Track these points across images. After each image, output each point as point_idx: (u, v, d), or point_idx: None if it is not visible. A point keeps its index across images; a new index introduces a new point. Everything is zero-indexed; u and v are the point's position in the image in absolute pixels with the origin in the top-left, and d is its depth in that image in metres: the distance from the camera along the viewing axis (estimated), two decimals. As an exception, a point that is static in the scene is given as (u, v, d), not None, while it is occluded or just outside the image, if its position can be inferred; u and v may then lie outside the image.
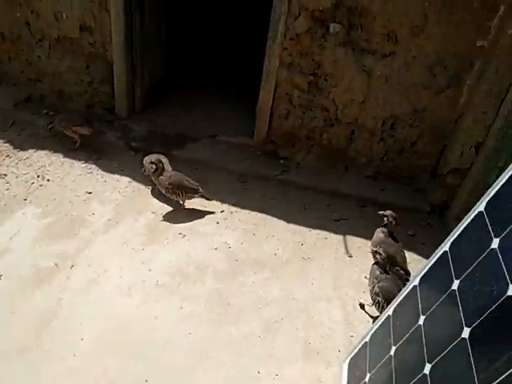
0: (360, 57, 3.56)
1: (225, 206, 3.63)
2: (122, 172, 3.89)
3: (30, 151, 4.03)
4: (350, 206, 3.67)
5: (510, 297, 1.26)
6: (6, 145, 4.05)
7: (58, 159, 3.96)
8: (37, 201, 3.46)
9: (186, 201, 3.54)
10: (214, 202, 3.62)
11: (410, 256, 3.13)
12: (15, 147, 4.03)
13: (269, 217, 3.54)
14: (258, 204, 3.69)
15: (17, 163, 3.86)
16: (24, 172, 3.76)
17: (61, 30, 4.14)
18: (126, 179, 3.82)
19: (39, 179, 3.69)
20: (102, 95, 4.46)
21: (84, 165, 3.93)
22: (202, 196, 3.52)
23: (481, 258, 1.48)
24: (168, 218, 3.45)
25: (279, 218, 3.52)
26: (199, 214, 3.52)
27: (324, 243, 3.24)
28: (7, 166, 3.80)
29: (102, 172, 3.88)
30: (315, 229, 3.36)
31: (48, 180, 3.71)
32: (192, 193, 3.48)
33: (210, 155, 4.18)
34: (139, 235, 3.25)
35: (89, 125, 4.08)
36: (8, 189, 3.55)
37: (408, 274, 2.77)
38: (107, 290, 2.80)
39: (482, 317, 1.31)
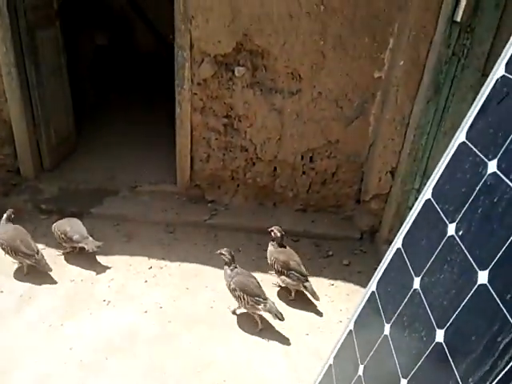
0: (269, 96, 3.62)
1: (153, 262, 3.42)
2: (32, 239, 3.53)
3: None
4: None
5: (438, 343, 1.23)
6: None
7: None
8: None
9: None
10: (139, 257, 3.41)
11: (348, 287, 3.14)
12: None
13: (201, 266, 3.38)
14: (188, 254, 3.53)
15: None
16: None
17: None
18: (38, 246, 3.48)
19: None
20: (3, 158, 4.09)
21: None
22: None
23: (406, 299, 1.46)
24: (89, 284, 3.17)
25: (213, 266, 3.36)
26: (125, 275, 3.27)
27: (264, 286, 3.14)
28: None
29: (10, 242, 3.51)
30: (253, 272, 3.27)
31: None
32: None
33: (132, 208, 3.97)
34: (57, 309, 2.93)
35: None
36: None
37: (304, 275, 2.97)
38: (21, 381, 2.45)
39: (417, 366, 1.28)
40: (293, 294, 3.10)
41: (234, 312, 2.97)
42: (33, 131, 4.04)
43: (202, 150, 3.94)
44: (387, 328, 1.54)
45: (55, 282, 3.14)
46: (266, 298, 2.76)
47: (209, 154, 3.94)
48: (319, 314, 3.01)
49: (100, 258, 3.40)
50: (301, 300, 3.09)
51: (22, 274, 3.18)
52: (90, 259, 3.37)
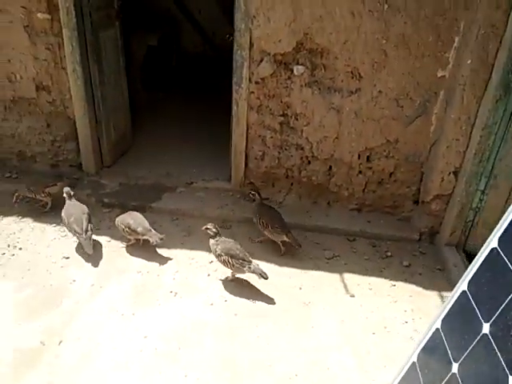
0: (327, 95, 3.63)
1: (213, 256, 3.51)
2: (97, 231, 3.68)
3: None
4: (340, 241, 3.65)
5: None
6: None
7: (27, 225, 3.71)
8: (10, 273, 3.20)
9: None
10: (200, 252, 3.50)
11: (411, 289, 3.13)
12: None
13: (260, 262, 3.44)
14: (246, 250, 3.59)
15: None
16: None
17: (16, 92, 3.97)
18: (103, 238, 3.63)
19: (10, 249, 3.42)
20: (67, 153, 4.27)
21: (56, 228, 3.69)
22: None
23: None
24: (154, 275, 3.28)
25: (270, 262, 3.43)
26: (188, 268, 3.37)
27: (321, 285, 3.17)
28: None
29: (77, 234, 3.67)
30: (310, 270, 3.30)
31: (20, 249, 3.45)
32: None
33: (189, 204, 4.07)
34: (127, 299, 3.05)
35: (59, 179, 3.92)
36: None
37: (248, 261, 3.11)
38: (102, 365, 2.58)
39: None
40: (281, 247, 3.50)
41: (232, 279, 3.21)
42: (95, 128, 4.20)
43: (257, 148, 4.00)
44: (486, 327, 1.55)
45: (123, 272, 3.28)
46: (250, 261, 3.10)
47: (264, 152, 3.99)
48: (383, 313, 3.02)
49: (162, 251, 3.51)
50: (366, 301, 3.11)
51: (91, 264, 3.33)
52: (152, 252, 3.49)
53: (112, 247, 3.54)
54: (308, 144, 3.83)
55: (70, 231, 3.43)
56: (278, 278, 3.26)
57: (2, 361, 2.56)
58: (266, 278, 3.06)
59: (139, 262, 3.41)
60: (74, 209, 3.49)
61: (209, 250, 3.52)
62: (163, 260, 3.42)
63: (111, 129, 4.42)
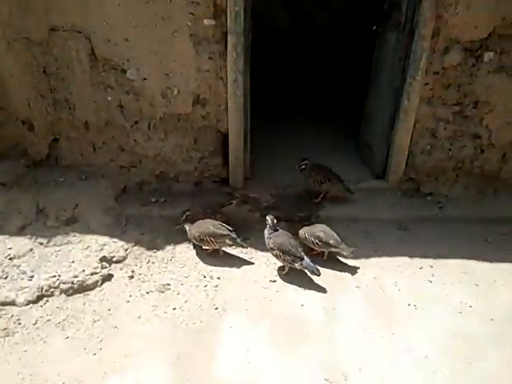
0: (515, 79, 3.47)
1: (416, 261, 3.33)
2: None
3: (169, 248, 3.47)
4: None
5: None
6: (137, 248, 3.45)
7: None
8: (235, 306, 2.95)
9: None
10: (403, 258, 3.33)
11: None
12: (149, 248, 3.45)
13: (472, 262, 3.29)
14: (441, 250, 3.43)
15: (166, 266, 3.30)
16: (185, 275, 3.21)
17: (168, 108, 3.66)
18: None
19: (210, 280, 3.17)
20: (212, 169, 3.99)
21: (237, 249, 3.45)
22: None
23: None
24: (377, 288, 3.09)
25: (482, 259, 3.28)
26: (401, 275, 3.19)
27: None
28: (161, 273, 3.23)
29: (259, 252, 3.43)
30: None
31: (218, 278, 3.19)
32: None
33: (357, 208, 3.87)
34: (368, 316, 2.86)
35: (230, 197, 3.75)
36: (186, 301, 2.99)
37: (300, 257, 3.10)
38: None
39: None
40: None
41: (286, 272, 3.20)
42: (244, 140, 3.94)
43: (425, 142, 3.83)
44: None
45: (341, 289, 3.07)
46: (302, 257, 3.09)
47: (432, 144, 3.82)
48: None
49: (353, 262, 3.33)
50: None
51: (298, 285, 3.12)
52: (339, 263, 3.32)
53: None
54: (487, 132, 3.68)
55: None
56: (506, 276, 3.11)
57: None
58: (318, 275, 3.08)
59: (343, 276, 3.21)
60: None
61: (403, 255, 3.38)
62: (369, 270, 3.23)
63: (248, 138, 4.15)
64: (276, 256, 3.18)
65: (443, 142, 3.78)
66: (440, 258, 3.34)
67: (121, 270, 3.28)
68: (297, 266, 3.11)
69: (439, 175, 3.94)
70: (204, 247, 3.38)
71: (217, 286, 3.12)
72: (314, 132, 5.11)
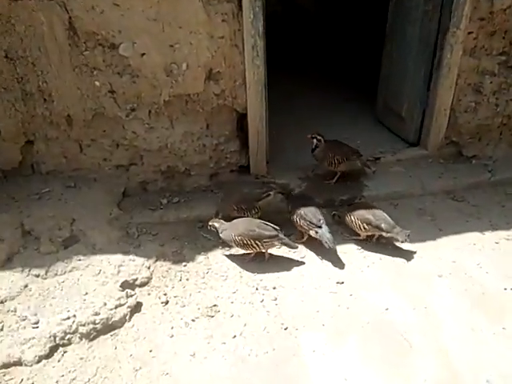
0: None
1: (490, 235, 2.92)
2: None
3: (201, 259, 2.85)
4: None
5: None
6: (162, 263, 2.80)
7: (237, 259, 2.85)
8: (308, 322, 2.40)
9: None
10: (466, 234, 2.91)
11: None
12: (176, 262, 2.81)
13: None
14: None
15: (205, 282, 2.68)
16: (232, 290, 2.61)
17: (174, 88, 2.95)
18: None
19: (265, 292, 2.58)
20: (229, 157, 3.35)
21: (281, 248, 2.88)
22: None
23: None
24: (463, 273, 2.66)
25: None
26: (476, 254, 2.77)
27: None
28: (200, 292, 2.60)
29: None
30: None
31: (274, 288, 2.61)
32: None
33: (403, 183, 3.38)
34: (476, 315, 2.40)
35: (268, 188, 3.10)
36: (246, 324, 2.40)
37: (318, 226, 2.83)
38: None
39: None
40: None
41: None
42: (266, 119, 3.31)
43: (468, 100, 3.39)
44: None
45: (429, 281, 2.61)
46: (320, 226, 2.81)
47: (476, 101, 3.39)
48: None
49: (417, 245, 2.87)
50: None
51: (371, 284, 2.62)
52: (400, 249, 2.86)
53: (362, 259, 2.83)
54: (535, 81, 3.29)
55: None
56: None
57: None
58: (332, 247, 2.77)
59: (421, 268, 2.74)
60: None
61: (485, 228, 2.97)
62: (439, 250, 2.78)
63: (266, 116, 3.52)
64: (294, 222, 2.89)
65: (489, 97, 3.35)
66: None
67: (149, 294, 2.63)
68: (312, 233, 2.83)
69: (483, 135, 3.54)
70: (246, 251, 2.79)
71: (275, 298, 2.55)
72: (328, 104, 4.54)
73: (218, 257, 2.86)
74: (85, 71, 2.86)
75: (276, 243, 2.74)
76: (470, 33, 3.12)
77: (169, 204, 3.24)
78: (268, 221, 2.81)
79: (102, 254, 2.80)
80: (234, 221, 2.81)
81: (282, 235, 2.74)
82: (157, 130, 3.13)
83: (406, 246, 2.85)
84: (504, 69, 3.28)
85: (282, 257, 2.84)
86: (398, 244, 2.87)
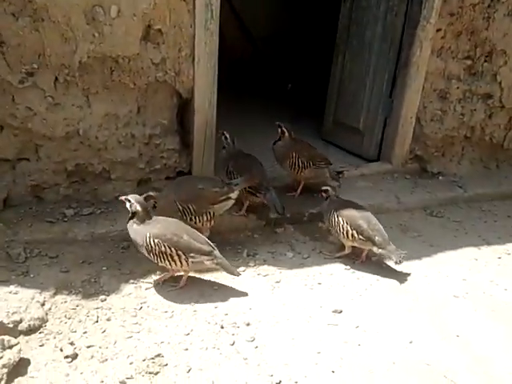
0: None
1: (487, 250, 2.45)
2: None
3: (129, 288, 1.86)
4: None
5: None
6: (64, 297, 1.78)
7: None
8: (308, 371, 1.57)
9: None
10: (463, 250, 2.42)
11: None
12: (90, 295, 1.81)
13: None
14: (501, 233, 2.64)
15: (139, 323, 1.71)
16: (185, 331, 1.67)
17: (96, 44, 2.10)
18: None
19: (236, 330, 1.70)
20: (166, 157, 2.50)
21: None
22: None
23: None
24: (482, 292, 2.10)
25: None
26: (484, 270, 2.26)
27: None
28: (133, 337, 1.62)
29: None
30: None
31: (247, 324, 1.74)
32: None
33: (369, 198, 2.81)
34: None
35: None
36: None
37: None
38: None
39: None
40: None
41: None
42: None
43: (434, 107, 3.08)
44: None
45: (447, 304, 1.97)
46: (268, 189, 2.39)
47: (442, 109, 3.09)
48: None
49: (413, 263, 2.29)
50: None
51: (408, 308, 1.91)
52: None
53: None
54: (499, 90, 3.10)
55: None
56: None
57: None
58: (282, 214, 2.40)
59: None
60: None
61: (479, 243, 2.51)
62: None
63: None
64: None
65: (455, 105, 3.09)
66: (509, 242, 2.54)
67: (42, 345, 1.58)
68: (259, 196, 2.36)
69: (446, 149, 3.23)
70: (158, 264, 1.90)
71: (252, 339, 1.68)
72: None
73: (156, 285, 1.93)
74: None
75: (207, 263, 1.89)
76: (438, 30, 2.86)
77: (76, 216, 2.24)
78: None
79: (-39, 285, 1.71)
80: (160, 217, 1.95)
81: (218, 254, 1.91)
82: (65, 107, 2.19)
83: (409, 263, 2.24)
84: (468, 75, 3.07)
85: (249, 279, 2.02)
86: (388, 263, 2.26)
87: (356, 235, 2.19)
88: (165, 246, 1.81)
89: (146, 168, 2.48)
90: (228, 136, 2.56)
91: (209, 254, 1.89)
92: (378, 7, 3.06)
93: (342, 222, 2.21)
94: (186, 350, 1.61)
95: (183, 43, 2.30)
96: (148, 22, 2.16)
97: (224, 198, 2.15)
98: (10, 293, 1.74)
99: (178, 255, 1.83)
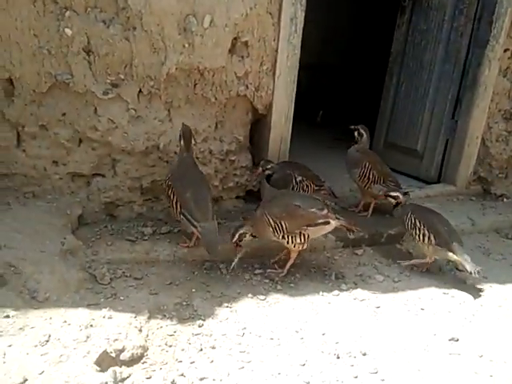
0: None
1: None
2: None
3: (225, 312, 1.72)
4: None
5: None
6: (160, 322, 1.62)
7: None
8: None
9: None
10: None
11: None
12: (184, 319, 1.66)
13: None
14: None
15: (245, 350, 1.55)
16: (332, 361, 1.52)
17: (185, 55, 2.01)
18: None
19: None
20: (238, 174, 2.40)
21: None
22: None
23: None
24: None
25: None
26: None
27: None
28: (243, 369, 1.46)
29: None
30: None
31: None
32: None
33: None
34: None
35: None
36: None
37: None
38: None
39: None
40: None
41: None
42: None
43: (499, 128, 3.02)
44: None
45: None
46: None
47: (507, 130, 3.03)
48: None
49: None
50: None
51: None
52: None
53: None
54: None
55: None
56: None
57: None
58: None
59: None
60: None
61: None
62: None
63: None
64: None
65: (521, 127, 3.04)
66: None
67: (148, 378, 1.41)
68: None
69: (510, 171, 3.16)
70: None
71: (376, 371, 1.51)
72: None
73: (251, 307, 1.79)
74: (50, 10, 1.83)
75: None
76: (505, 50, 2.85)
77: (155, 234, 2.11)
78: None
79: (53, 308, 1.56)
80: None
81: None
82: (146, 121, 2.10)
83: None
84: (533, 95, 3.04)
85: (347, 304, 1.87)
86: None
87: (433, 239, 2.09)
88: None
89: (219, 186, 2.37)
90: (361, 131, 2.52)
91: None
92: (440, 29, 3.04)
93: (418, 225, 2.11)
94: (308, 383, 1.46)
95: (265, 57, 2.24)
96: (236, 34, 2.10)
97: (322, 221, 2.03)
98: (104, 317, 1.59)
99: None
